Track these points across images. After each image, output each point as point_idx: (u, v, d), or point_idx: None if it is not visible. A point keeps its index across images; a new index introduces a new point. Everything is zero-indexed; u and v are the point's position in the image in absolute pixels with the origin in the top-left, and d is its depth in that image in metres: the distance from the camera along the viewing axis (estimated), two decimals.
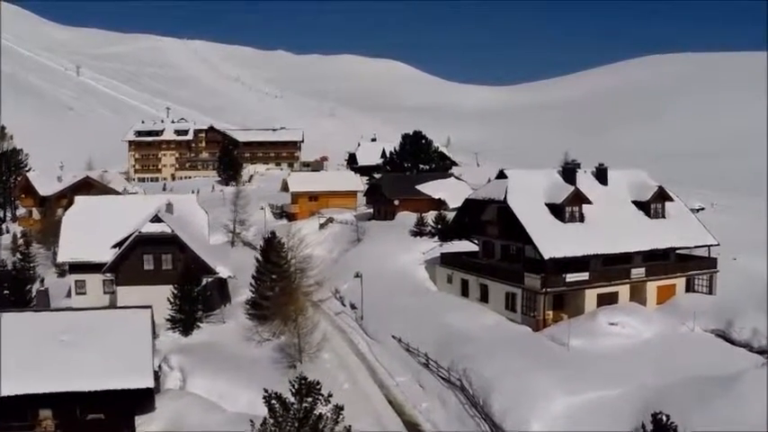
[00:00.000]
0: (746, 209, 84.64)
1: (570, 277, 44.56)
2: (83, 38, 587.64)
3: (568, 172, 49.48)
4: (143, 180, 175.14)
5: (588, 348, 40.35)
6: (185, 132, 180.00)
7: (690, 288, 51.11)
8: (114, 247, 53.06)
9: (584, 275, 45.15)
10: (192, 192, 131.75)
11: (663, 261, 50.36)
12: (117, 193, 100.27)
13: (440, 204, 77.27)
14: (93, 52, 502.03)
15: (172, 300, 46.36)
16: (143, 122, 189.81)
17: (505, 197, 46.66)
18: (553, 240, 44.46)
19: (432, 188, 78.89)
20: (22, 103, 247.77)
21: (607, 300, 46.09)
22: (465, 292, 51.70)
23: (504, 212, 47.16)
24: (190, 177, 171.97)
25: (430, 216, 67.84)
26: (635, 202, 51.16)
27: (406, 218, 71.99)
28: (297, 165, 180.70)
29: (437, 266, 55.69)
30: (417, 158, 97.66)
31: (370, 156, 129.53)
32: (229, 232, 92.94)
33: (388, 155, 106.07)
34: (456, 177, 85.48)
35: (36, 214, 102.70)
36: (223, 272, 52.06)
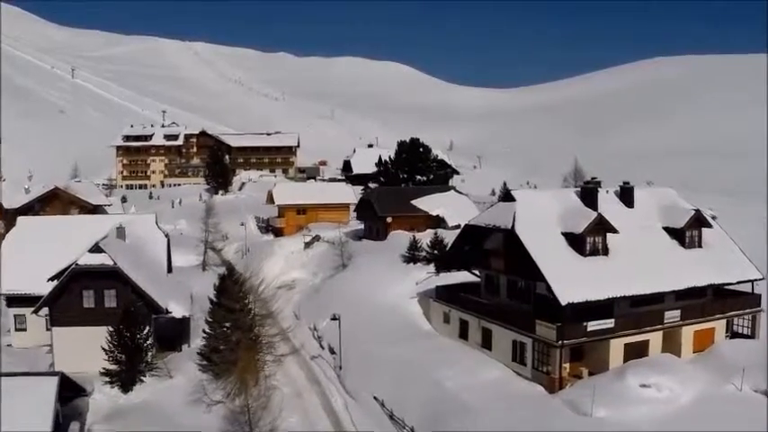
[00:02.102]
0: (752, 216, 77.18)
1: (592, 325, 36.33)
2: (82, 39, 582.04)
3: (588, 193, 41.21)
4: (131, 187, 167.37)
5: (617, 419, 32.04)
6: (175, 137, 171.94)
7: (728, 329, 43.08)
8: (52, 279, 45.14)
9: (609, 323, 36.91)
10: (173, 203, 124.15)
11: (699, 299, 42.12)
12: (88, 205, 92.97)
13: (438, 222, 69.09)
14: (92, 54, 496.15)
15: (106, 348, 38.31)
16: (132, 126, 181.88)
17: (513, 225, 38.43)
18: (572, 280, 36.22)
19: (429, 203, 70.52)
20: (8, 105, 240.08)
21: (636, 351, 37.83)
22: (464, 334, 43.51)
23: (512, 242, 38.93)
24: (180, 185, 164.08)
25: (426, 237, 59.59)
26: (667, 229, 42.85)
27: (400, 238, 63.74)
28: (292, 171, 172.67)
29: (432, 301, 47.48)
30: (414, 168, 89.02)
31: (366, 163, 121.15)
32: (210, 250, 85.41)
33: (384, 163, 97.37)
34: (457, 191, 77.04)
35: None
36: (176, 310, 44.01)
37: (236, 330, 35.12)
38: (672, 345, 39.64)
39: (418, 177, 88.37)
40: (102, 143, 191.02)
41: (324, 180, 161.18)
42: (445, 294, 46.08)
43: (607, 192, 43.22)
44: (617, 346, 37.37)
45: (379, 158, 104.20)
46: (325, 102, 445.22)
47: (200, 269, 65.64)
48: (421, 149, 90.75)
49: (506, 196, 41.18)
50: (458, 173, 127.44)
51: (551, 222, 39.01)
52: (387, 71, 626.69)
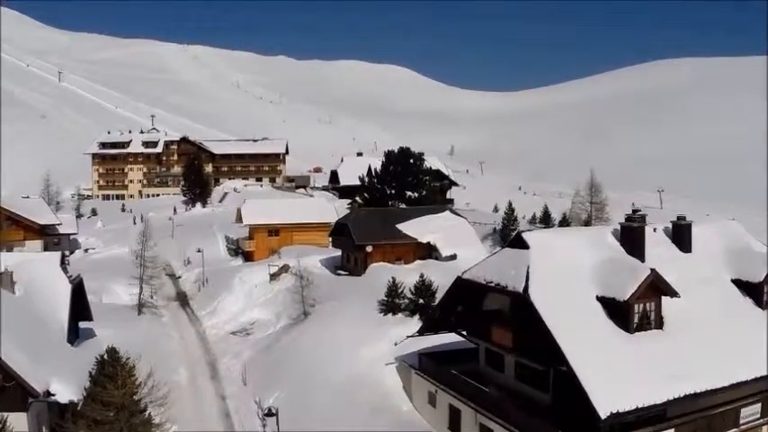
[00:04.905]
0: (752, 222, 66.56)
1: None
2: (79, 42, 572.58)
3: (632, 235, 29.19)
4: (108, 197, 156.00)
5: None
6: (154, 144, 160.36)
7: None
8: None
9: None
10: (134, 219, 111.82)
11: None
12: (34, 225, 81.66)
13: (430, 251, 57.30)
14: (88, 57, 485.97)
15: None
16: (108, 133, 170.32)
17: (526, 286, 26.46)
18: (614, 373, 24.27)
19: (419, 228, 58.52)
20: None
21: None
22: (455, 426, 31.55)
23: (523, 309, 26.96)
24: (158, 195, 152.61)
25: (413, 272, 47.70)
26: (737, 282, 30.93)
27: (382, 273, 51.66)
28: (280, 180, 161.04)
29: (413, 373, 35.53)
30: (404, 183, 76.66)
31: (354, 174, 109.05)
32: (169, 276, 74.47)
33: (370, 176, 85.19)
34: (453, 211, 65.00)
35: None
36: (61, 392, 32.07)
37: None
38: None
39: (409, 193, 76.05)
40: (82, 150, 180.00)
41: (317, 188, 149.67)
42: (431, 367, 34.09)
43: (654, 230, 31.25)
44: None
45: (369, 169, 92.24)
46: (324, 106, 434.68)
47: (137, 311, 53.38)
48: (412, 160, 78.32)
49: (517, 241, 29.06)
50: (456, 184, 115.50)
51: (581, 281, 27.02)
52: (387, 74, 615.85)
